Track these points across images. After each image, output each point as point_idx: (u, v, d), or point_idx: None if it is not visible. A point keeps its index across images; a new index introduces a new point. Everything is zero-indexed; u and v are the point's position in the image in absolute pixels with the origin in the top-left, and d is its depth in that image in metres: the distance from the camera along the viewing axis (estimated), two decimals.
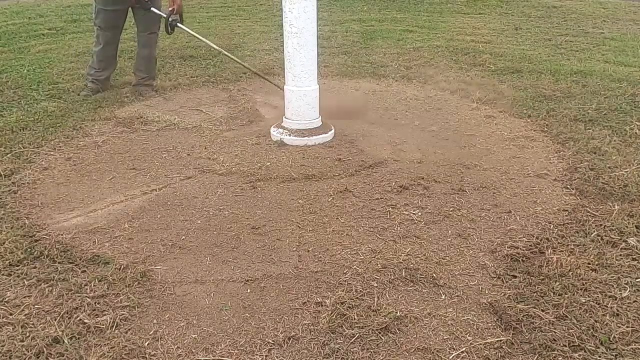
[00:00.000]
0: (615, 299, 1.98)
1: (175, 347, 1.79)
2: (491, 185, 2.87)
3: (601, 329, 1.83)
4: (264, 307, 1.98)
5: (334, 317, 1.90)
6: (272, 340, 1.82)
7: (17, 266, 2.20)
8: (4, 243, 2.35)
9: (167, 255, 2.29)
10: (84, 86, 4.44)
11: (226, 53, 4.26)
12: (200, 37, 4.23)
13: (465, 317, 1.92)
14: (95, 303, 1.98)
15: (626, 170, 2.95)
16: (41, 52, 5.84)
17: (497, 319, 1.91)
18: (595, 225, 2.46)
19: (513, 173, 3.02)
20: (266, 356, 1.75)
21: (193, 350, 1.78)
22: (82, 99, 4.23)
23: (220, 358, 1.75)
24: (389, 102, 4.24)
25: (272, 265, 2.21)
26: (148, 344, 1.80)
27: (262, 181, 2.93)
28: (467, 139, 3.51)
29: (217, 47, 4.22)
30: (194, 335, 1.85)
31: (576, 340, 1.79)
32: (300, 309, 1.96)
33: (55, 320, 1.89)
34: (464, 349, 1.78)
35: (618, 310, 1.92)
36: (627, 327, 1.84)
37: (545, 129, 3.63)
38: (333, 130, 3.48)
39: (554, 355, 1.74)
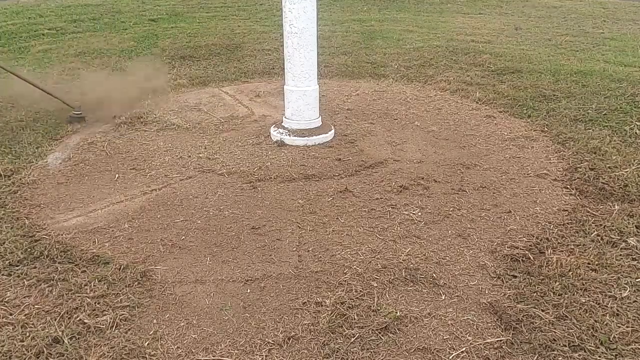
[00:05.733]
0: (615, 299, 1.98)
1: (175, 347, 1.79)
2: (491, 185, 2.87)
3: (601, 329, 1.83)
4: (264, 307, 1.98)
5: (334, 317, 1.90)
6: (272, 340, 1.81)
7: (17, 266, 2.20)
8: (4, 243, 2.35)
9: (167, 255, 2.29)
10: None
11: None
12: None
13: (465, 317, 1.92)
14: (95, 303, 1.98)
15: (626, 170, 2.95)
16: (41, 52, 5.84)
17: (497, 319, 1.90)
18: (595, 225, 2.46)
19: (513, 173, 3.02)
20: (266, 356, 1.75)
21: (193, 350, 1.78)
22: None
23: (220, 358, 1.75)
24: (389, 102, 4.24)
25: (272, 265, 2.21)
26: (148, 344, 1.80)
27: (262, 181, 2.93)
28: (467, 139, 3.51)
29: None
30: (194, 335, 1.85)
31: (576, 340, 1.79)
32: (300, 309, 1.96)
33: (55, 320, 1.89)
34: (464, 349, 1.78)
35: (618, 310, 1.92)
36: (627, 327, 1.84)
37: (545, 129, 3.63)
38: (333, 131, 3.48)
39: (554, 355, 1.74)
